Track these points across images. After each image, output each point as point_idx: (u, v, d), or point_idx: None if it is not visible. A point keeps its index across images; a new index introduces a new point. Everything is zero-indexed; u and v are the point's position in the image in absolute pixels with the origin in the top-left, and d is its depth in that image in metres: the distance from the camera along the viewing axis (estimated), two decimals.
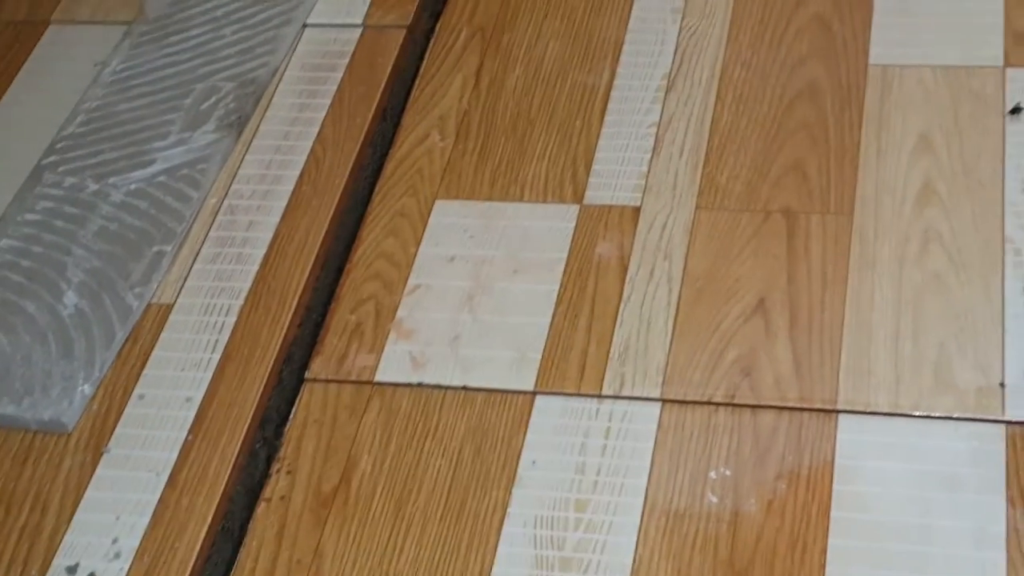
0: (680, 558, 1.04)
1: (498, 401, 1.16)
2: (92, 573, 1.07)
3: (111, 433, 1.16)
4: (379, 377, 1.20)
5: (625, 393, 1.15)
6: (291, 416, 1.18)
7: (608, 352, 1.18)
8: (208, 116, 1.36)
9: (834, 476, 1.07)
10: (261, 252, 1.27)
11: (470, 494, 1.11)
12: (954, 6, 1.39)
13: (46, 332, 1.22)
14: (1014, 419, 1.08)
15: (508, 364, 1.19)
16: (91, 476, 1.13)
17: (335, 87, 1.41)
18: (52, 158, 1.35)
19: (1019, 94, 1.31)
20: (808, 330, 1.17)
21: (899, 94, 1.34)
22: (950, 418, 1.09)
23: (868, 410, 1.11)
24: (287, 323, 1.21)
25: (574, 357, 1.18)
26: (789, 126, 1.33)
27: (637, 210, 1.29)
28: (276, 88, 1.42)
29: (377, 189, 1.35)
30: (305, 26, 1.48)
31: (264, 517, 1.11)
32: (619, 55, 1.43)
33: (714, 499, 1.07)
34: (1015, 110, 1.30)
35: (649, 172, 1.31)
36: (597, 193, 1.31)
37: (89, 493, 1.12)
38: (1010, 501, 1.03)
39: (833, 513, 1.05)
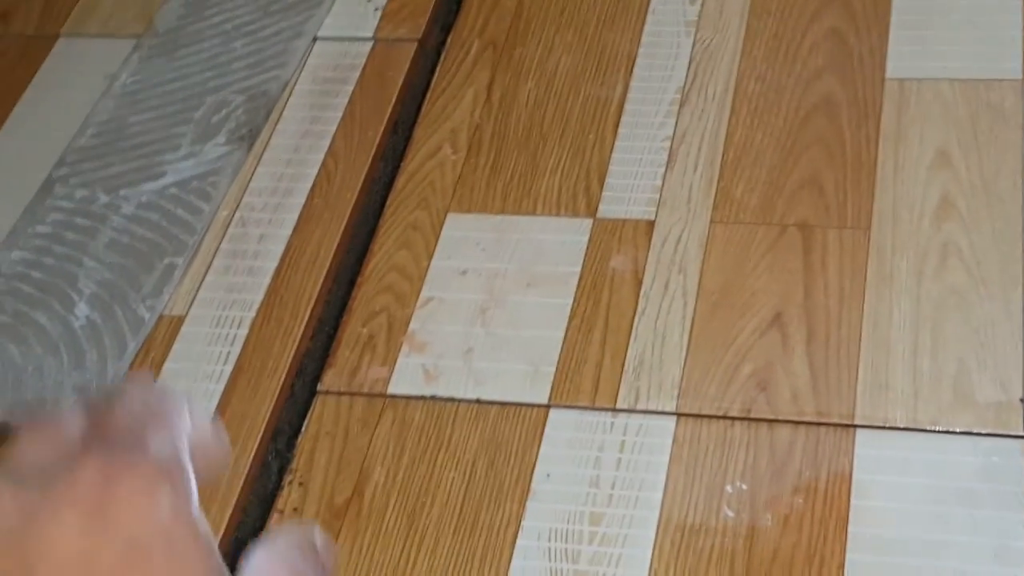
0: (695, 572, 1.03)
1: (512, 414, 1.15)
2: None
3: None
4: (392, 390, 1.18)
5: (640, 407, 1.14)
6: (303, 428, 1.17)
7: (623, 366, 1.17)
8: (219, 129, 1.36)
9: (852, 491, 1.06)
10: (273, 265, 1.26)
11: (483, 507, 1.09)
12: (972, 19, 1.38)
13: (58, 343, 1.21)
14: None
15: (522, 377, 1.18)
16: None
17: (346, 100, 1.40)
18: (63, 171, 1.35)
19: None
20: (825, 345, 1.16)
21: (916, 108, 1.33)
22: (969, 433, 1.08)
23: (886, 425, 1.10)
24: (299, 336, 1.20)
25: (588, 371, 1.17)
26: (805, 140, 1.32)
27: (651, 224, 1.28)
28: (287, 101, 1.41)
29: (389, 202, 1.34)
30: (316, 39, 1.47)
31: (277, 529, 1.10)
32: (632, 68, 1.42)
33: (730, 513, 1.06)
34: None
35: (663, 186, 1.30)
36: (611, 207, 1.30)
37: None
38: None
39: (851, 528, 1.03)
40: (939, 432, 1.09)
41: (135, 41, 1.49)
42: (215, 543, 0.40)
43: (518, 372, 1.18)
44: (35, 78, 1.48)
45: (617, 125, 1.37)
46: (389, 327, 1.23)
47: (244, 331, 1.21)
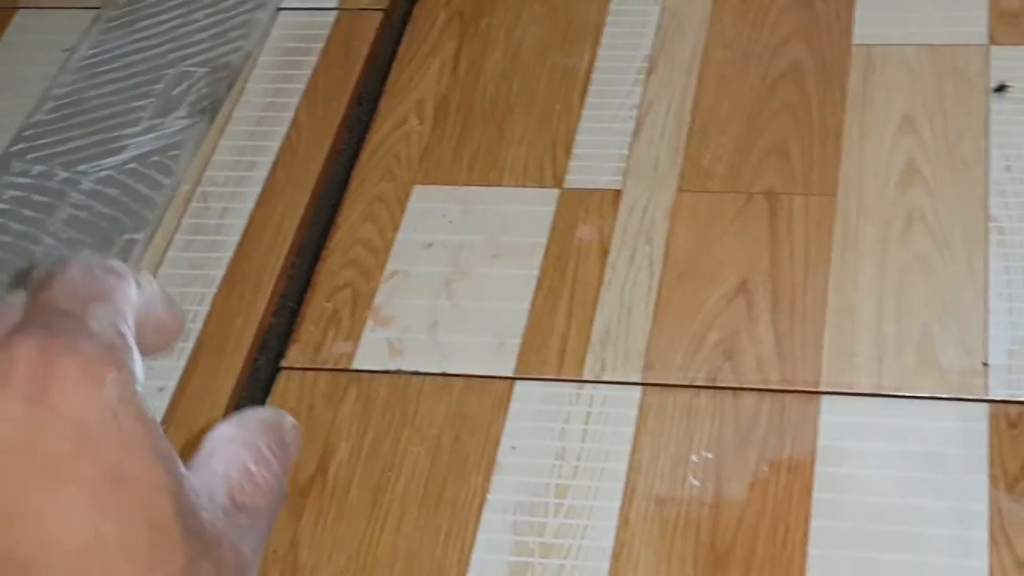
0: (661, 542, 1.03)
1: (477, 387, 1.15)
2: None
3: None
4: (356, 365, 1.18)
5: (606, 378, 1.13)
6: (267, 405, 1.16)
7: (588, 337, 1.16)
8: (180, 102, 1.34)
9: (816, 458, 1.05)
10: (235, 239, 1.25)
11: (449, 481, 1.09)
12: None
13: None
14: (997, 398, 1.06)
15: (487, 350, 1.17)
16: None
17: (310, 72, 1.39)
18: (20, 146, 1.33)
19: (1004, 72, 1.30)
20: (791, 312, 1.15)
21: (883, 74, 1.32)
22: (933, 398, 1.08)
23: (851, 391, 1.09)
24: (262, 311, 1.19)
25: (554, 342, 1.17)
26: (772, 107, 1.32)
27: (618, 193, 1.27)
28: (250, 73, 1.40)
29: (354, 175, 1.33)
30: (279, 10, 1.46)
31: None
32: (599, 37, 1.41)
33: (696, 483, 1.06)
34: (999, 88, 1.28)
35: (630, 155, 1.30)
36: (577, 177, 1.29)
37: None
38: (993, 480, 1.01)
39: (816, 495, 1.03)
40: (904, 397, 1.08)
41: (95, 13, 1.47)
42: (158, 422, 0.39)
43: (484, 345, 1.17)
44: None
45: (584, 94, 1.36)
46: (354, 301, 1.22)
47: (206, 307, 1.20)
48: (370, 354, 1.18)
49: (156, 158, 1.30)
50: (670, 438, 1.09)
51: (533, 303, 1.20)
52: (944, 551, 0.99)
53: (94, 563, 0.36)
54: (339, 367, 1.18)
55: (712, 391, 1.11)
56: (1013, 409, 1.06)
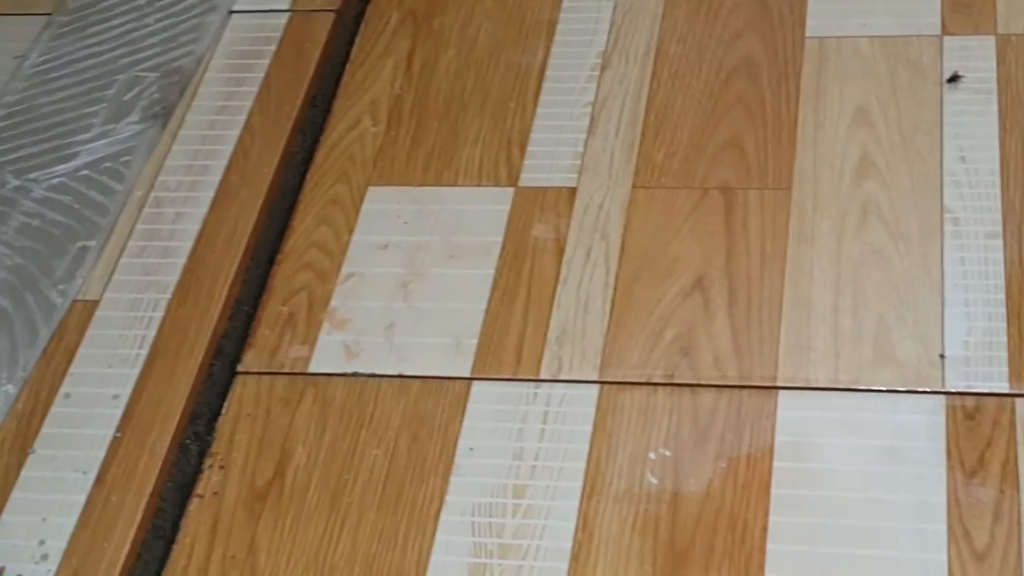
0: (620, 541, 1.02)
1: (434, 388, 1.14)
2: None
3: (37, 433, 1.12)
4: (313, 368, 1.17)
5: (563, 376, 1.13)
6: (223, 410, 1.15)
7: (545, 335, 1.16)
8: (132, 107, 1.33)
9: (774, 453, 1.05)
10: (189, 244, 1.24)
11: (407, 483, 1.08)
12: None
13: None
14: (954, 390, 1.07)
15: (444, 351, 1.17)
16: (16, 478, 1.10)
17: (262, 74, 1.38)
18: None
19: (956, 62, 1.30)
20: (747, 307, 1.15)
21: (836, 66, 1.32)
22: (890, 391, 1.08)
23: (808, 386, 1.09)
24: (217, 316, 1.18)
25: (511, 342, 1.16)
26: (726, 101, 1.32)
27: (573, 191, 1.27)
28: (202, 77, 1.39)
29: (308, 177, 1.32)
30: (231, 13, 1.45)
31: (197, 513, 1.09)
32: (553, 34, 1.41)
33: (654, 480, 1.06)
34: (952, 79, 1.29)
35: (585, 152, 1.29)
36: (532, 175, 1.29)
37: (15, 495, 1.09)
38: (951, 472, 1.02)
39: (774, 491, 1.03)
40: (860, 391, 1.08)
41: (45, 19, 1.46)
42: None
43: (440, 346, 1.17)
44: None
45: (538, 92, 1.36)
46: (309, 305, 1.22)
47: (160, 313, 1.19)
48: (326, 357, 1.18)
49: (108, 164, 1.29)
50: (628, 436, 1.08)
51: (489, 303, 1.19)
52: (903, 545, 0.99)
53: None
54: (295, 371, 1.17)
55: (669, 388, 1.11)
56: (970, 401, 1.06)
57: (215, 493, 1.10)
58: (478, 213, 1.26)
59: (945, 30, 1.33)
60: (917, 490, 1.01)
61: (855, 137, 1.26)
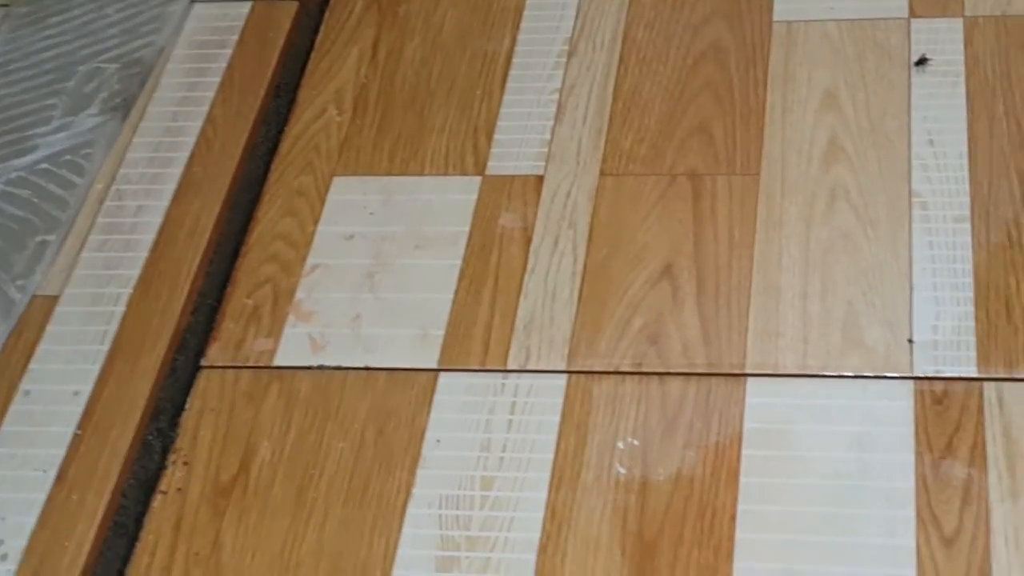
0: (588, 531, 1.01)
1: (401, 380, 1.13)
2: None
3: None
4: (278, 361, 1.16)
5: (531, 366, 1.12)
6: (187, 405, 1.14)
7: (513, 325, 1.15)
8: (92, 99, 1.31)
9: (743, 441, 1.05)
10: (151, 238, 1.22)
11: (373, 477, 1.07)
12: None
13: None
14: (922, 375, 1.06)
15: (411, 342, 1.15)
16: None
17: (225, 64, 1.36)
18: None
19: (924, 45, 1.29)
20: (715, 294, 1.14)
21: (804, 50, 1.31)
22: (859, 377, 1.07)
23: (777, 372, 1.09)
24: (179, 310, 1.16)
25: (478, 332, 1.15)
26: (693, 87, 1.31)
27: (540, 179, 1.25)
28: (163, 68, 1.37)
29: (273, 168, 1.30)
30: (192, 2, 1.43)
31: (160, 510, 1.07)
32: (520, 21, 1.40)
33: (622, 470, 1.05)
34: (920, 61, 1.28)
35: (552, 140, 1.28)
36: (499, 163, 1.27)
37: None
38: (919, 458, 1.01)
39: (743, 479, 1.02)
40: (829, 377, 1.08)
41: (3, 10, 1.44)
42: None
43: (407, 337, 1.16)
44: None
45: (505, 79, 1.34)
46: (274, 297, 1.20)
47: (122, 308, 1.17)
48: (292, 350, 1.16)
49: (68, 157, 1.28)
50: (596, 426, 1.08)
51: (456, 293, 1.18)
52: (872, 531, 0.98)
53: None
54: (261, 364, 1.16)
55: (638, 377, 1.10)
56: (939, 385, 1.05)
57: (179, 489, 1.08)
58: (445, 202, 1.25)
59: (913, 13, 1.32)
60: (886, 476, 1.01)
61: (823, 122, 1.25)
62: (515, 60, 1.36)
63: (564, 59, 1.35)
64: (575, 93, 1.32)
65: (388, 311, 1.18)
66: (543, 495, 1.04)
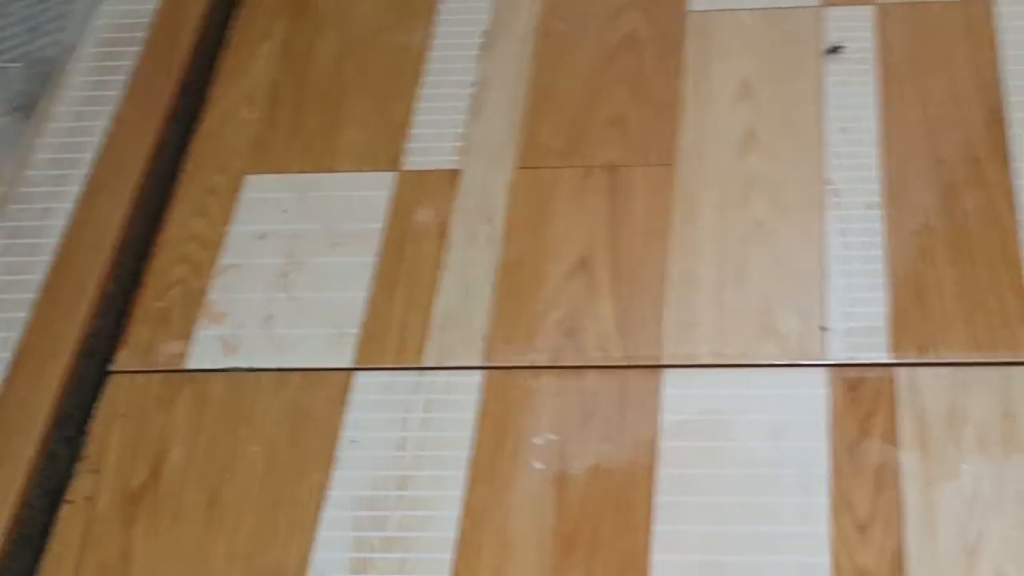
0: (505, 528, 1.00)
1: (315, 381, 1.11)
2: None
3: None
4: (189, 364, 1.14)
5: (446, 363, 1.11)
6: (95, 412, 1.11)
7: (428, 323, 1.14)
8: None
9: (660, 432, 1.04)
10: (56, 241, 1.20)
11: (288, 480, 1.05)
12: None
13: None
14: (836, 362, 1.06)
15: (325, 342, 1.14)
16: None
17: (133, 62, 1.34)
18: None
19: (837, 33, 1.29)
20: (631, 286, 1.14)
21: (718, 40, 1.31)
22: (774, 365, 1.07)
23: (693, 363, 1.08)
24: (86, 314, 1.14)
25: (393, 330, 1.14)
26: (609, 79, 1.30)
27: (456, 173, 1.24)
28: (69, 67, 1.34)
29: (183, 167, 1.28)
30: None
31: (68, 520, 1.05)
32: (434, 14, 1.38)
33: (539, 466, 1.04)
34: (833, 50, 1.28)
35: (468, 134, 1.27)
36: (415, 158, 1.26)
37: None
38: (833, 445, 1.01)
39: (659, 471, 1.02)
40: (745, 366, 1.07)
41: None
42: None
43: (321, 337, 1.14)
44: None
45: (420, 74, 1.33)
46: (185, 299, 1.18)
47: (24, 314, 1.15)
48: (204, 353, 1.14)
49: None
50: (512, 422, 1.06)
51: (372, 291, 1.16)
52: (788, 519, 0.98)
53: None
54: (171, 368, 1.14)
55: (554, 371, 1.09)
56: (852, 372, 1.05)
57: (87, 498, 1.06)
58: (359, 199, 1.24)
59: (825, 1, 1.32)
60: (801, 463, 1.01)
61: (738, 111, 1.25)
62: (430, 54, 1.35)
63: (480, 52, 1.34)
64: (491, 86, 1.31)
65: (302, 311, 1.16)
66: (459, 493, 1.03)
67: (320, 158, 1.28)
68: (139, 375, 1.13)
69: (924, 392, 1.03)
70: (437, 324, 1.13)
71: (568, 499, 1.02)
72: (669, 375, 1.07)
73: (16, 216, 1.22)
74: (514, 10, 1.37)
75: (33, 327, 1.13)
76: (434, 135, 1.28)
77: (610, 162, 1.23)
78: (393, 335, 1.13)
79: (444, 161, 1.25)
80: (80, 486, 1.07)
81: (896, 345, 1.06)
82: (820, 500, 0.98)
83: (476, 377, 1.10)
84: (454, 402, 1.08)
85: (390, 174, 1.25)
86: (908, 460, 0.99)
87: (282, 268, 1.20)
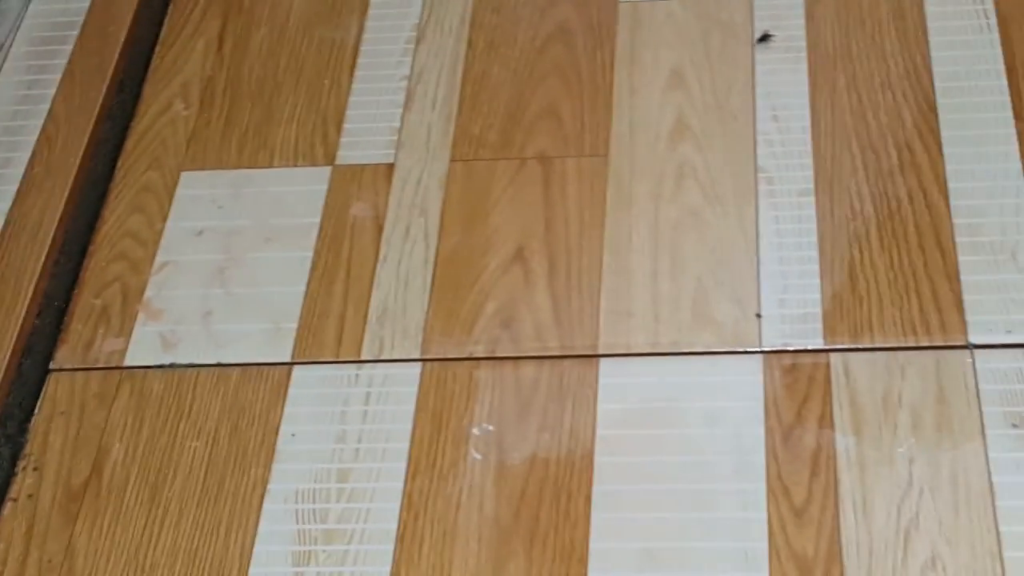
0: (445, 519, 1.02)
1: (254, 376, 1.12)
2: None
3: None
4: (129, 361, 1.14)
5: (384, 356, 1.12)
6: (36, 410, 1.11)
7: (366, 316, 1.14)
8: None
9: (597, 422, 1.05)
10: None
11: (228, 474, 1.06)
12: None
13: None
14: (770, 348, 1.08)
15: (263, 337, 1.14)
16: None
17: (65, 60, 1.33)
18: None
19: (767, 22, 1.31)
20: (567, 276, 1.15)
21: (650, 30, 1.32)
22: (709, 353, 1.08)
23: (629, 352, 1.10)
24: (24, 313, 1.14)
25: (331, 324, 1.14)
26: (542, 70, 1.31)
27: (391, 167, 1.25)
28: (1, 65, 1.34)
29: (119, 165, 1.28)
30: None
31: (11, 519, 1.05)
32: (367, 8, 1.39)
33: (478, 456, 1.05)
34: (763, 38, 1.29)
35: (402, 127, 1.28)
36: (349, 152, 1.26)
37: None
38: (769, 431, 1.03)
39: (597, 459, 1.03)
40: (680, 355, 1.09)
41: None
42: None
43: (259, 332, 1.15)
44: None
45: (353, 68, 1.33)
46: (123, 296, 1.18)
47: None
48: (142, 349, 1.14)
49: None
50: (451, 413, 1.08)
51: (308, 285, 1.17)
52: (725, 506, 1.00)
53: None
54: (111, 365, 1.14)
55: (492, 362, 1.10)
56: (787, 358, 1.07)
57: (29, 496, 1.06)
58: (295, 194, 1.24)
59: None
60: (737, 450, 1.02)
61: (670, 100, 1.26)
62: (363, 48, 1.35)
63: (412, 45, 1.34)
64: (424, 79, 1.31)
65: (240, 306, 1.17)
66: (399, 485, 1.04)
67: (255, 154, 1.28)
68: (79, 373, 1.13)
69: (859, 377, 1.05)
70: (375, 317, 1.14)
71: (507, 489, 1.03)
72: (606, 364, 1.09)
73: None
74: (446, 2, 1.38)
75: None
76: (368, 129, 1.28)
77: (544, 153, 1.24)
78: (331, 329, 1.14)
79: (379, 155, 1.26)
80: (22, 484, 1.07)
81: (831, 331, 1.08)
82: (757, 486, 1.00)
83: (414, 369, 1.11)
84: (393, 394, 1.09)
85: (325, 168, 1.26)
86: (844, 445, 1.01)
87: (219, 264, 1.20)
